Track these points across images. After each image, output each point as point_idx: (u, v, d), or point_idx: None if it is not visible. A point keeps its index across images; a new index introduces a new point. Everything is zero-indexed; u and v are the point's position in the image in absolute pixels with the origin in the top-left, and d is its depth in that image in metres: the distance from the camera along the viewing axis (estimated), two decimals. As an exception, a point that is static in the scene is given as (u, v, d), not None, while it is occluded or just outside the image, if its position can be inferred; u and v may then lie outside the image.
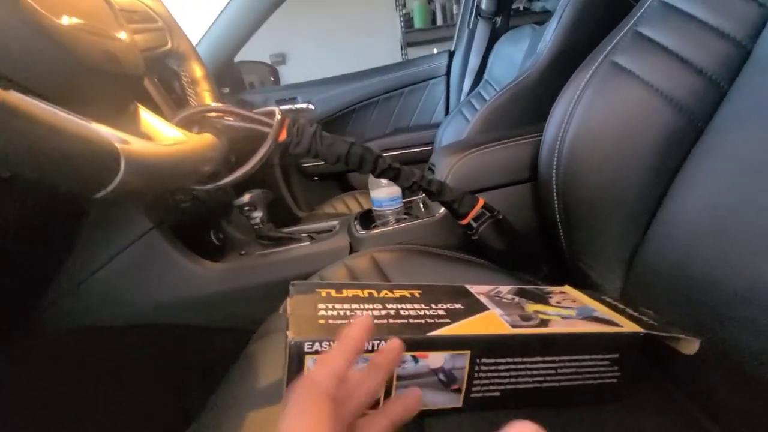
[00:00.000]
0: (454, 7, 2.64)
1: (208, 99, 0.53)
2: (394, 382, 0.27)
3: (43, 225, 0.51)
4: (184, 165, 0.32)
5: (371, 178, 0.68)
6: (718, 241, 0.32)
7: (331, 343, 0.26)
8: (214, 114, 0.42)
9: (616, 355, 0.30)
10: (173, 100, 0.68)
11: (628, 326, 0.31)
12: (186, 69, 0.52)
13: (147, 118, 0.37)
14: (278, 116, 0.41)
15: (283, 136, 0.41)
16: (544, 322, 0.30)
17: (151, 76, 0.66)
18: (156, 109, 0.56)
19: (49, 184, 0.23)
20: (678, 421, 0.30)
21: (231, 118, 0.43)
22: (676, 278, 0.35)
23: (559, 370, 0.29)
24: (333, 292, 0.32)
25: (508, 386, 0.29)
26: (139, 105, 0.37)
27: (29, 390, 0.60)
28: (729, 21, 0.38)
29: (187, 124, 0.41)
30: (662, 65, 0.41)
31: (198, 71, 0.53)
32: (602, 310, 0.34)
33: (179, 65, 0.53)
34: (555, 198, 0.49)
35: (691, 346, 0.31)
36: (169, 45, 0.50)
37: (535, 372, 0.29)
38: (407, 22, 2.76)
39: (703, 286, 0.32)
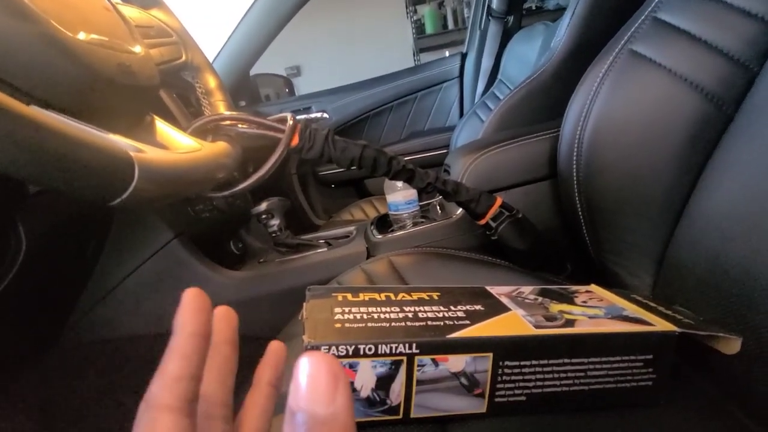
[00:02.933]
0: (465, 10, 2.64)
1: (222, 108, 0.54)
2: (414, 387, 0.26)
3: (70, 238, 0.53)
4: (198, 172, 0.32)
5: (387, 183, 0.68)
6: (755, 232, 0.30)
7: (348, 347, 0.25)
8: (227, 122, 0.43)
9: (650, 356, 0.28)
10: (191, 113, 0.70)
11: (662, 325, 0.29)
12: (200, 80, 0.54)
13: (162, 128, 0.37)
14: (290, 122, 0.41)
15: (295, 141, 0.41)
16: (569, 323, 0.29)
17: (169, 90, 0.68)
18: (174, 121, 0.57)
19: (67, 193, 0.23)
20: (720, 424, 0.28)
21: (244, 126, 0.43)
22: (711, 273, 0.33)
23: (589, 373, 0.28)
24: (349, 296, 0.32)
25: (535, 390, 0.27)
26: (156, 116, 0.38)
27: (61, 399, 0.61)
28: (756, 0, 0.36)
29: (201, 133, 0.42)
30: (685, 51, 0.40)
31: (212, 82, 0.54)
32: (632, 309, 0.32)
33: (194, 77, 0.54)
34: (577, 195, 0.47)
35: (732, 345, 0.29)
36: (184, 58, 0.52)
37: (562, 375, 0.27)
38: (419, 28, 2.77)
39: (740, 279, 0.30)
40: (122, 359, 0.65)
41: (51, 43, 0.26)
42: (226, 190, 0.44)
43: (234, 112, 0.44)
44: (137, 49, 0.36)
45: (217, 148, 0.39)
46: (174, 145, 0.36)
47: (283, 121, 0.41)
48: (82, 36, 0.29)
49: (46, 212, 0.43)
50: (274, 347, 0.21)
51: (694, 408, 0.29)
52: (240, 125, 0.43)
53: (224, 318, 0.20)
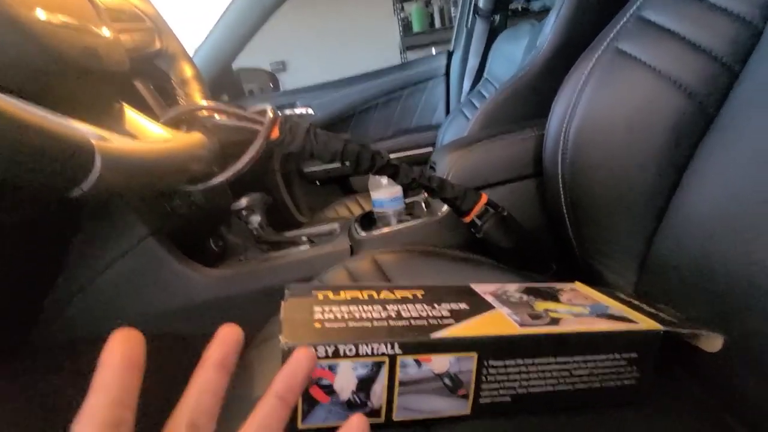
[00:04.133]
0: (452, 9, 2.64)
1: (198, 99, 0.52)
2: (396, 389, 0.25)
3: (35, 233, 0.50)
4: (170, 163, 0.30)
5: (372, 180, 0.67)
6: (737, 230, 0.30)
7: (328, 348, 0.24)
8: (204, 113, 0.41)
9: (635, 355, 0.28)
10: (170, 106, 0.67)
11: (647, 323, 0.29)
12: (175, 69, 0.51)
13: (133, 116, 0.35)
14: (270, 114, 0.39)
15: (275, 134, 0.40)
16: (555, 321, 0.28)
17: (146, 81, 0.65)
18: (151, 114, 0.55)
19: (23, 183, 0.21)
20: (704, 423, 0.28)
21: (221, 117, 0.42)
22: (693, 271, 0.33)
23: (574, 372, 0.27)
24: (330, 295, 0.30)
25: (519, 390, 0.27)
26: (126, 105, 0.36)
27: (29, 404, 0.58)
28: (738, 1, 0.37)
29: (175, 123, 0.40)
30: (669, 50, 0.40)
31: (188, 71, 0.52)
32: (617, 307, 0.32)
33: (168, 66, 0.51)
34: (562, 193, 0.47)
35: (714, 343, 0.29)
36: (158, 45, 0.49)
37: (547, 374, 0.27)
38: (406, 26, 2.77)
39: (722, 278, 0.30)
40: (91, 361, 0.62)
41: (7, 22, 0.24)
42: (203, 183, 0.42)
43: (211, 103, 0.42)
44: (105, 32, 0.34)
45: (192, 139, 0.37)
46: (145, 134, 0.34)
47: (263, 113, 0.40)
48: (43, 15, 0.27)
49: (7, 206, 0.40)
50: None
51: (679, 407, 0.29)
52: (217, 116, 0.41)
53: (221, 340, 0.19)
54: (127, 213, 0.58)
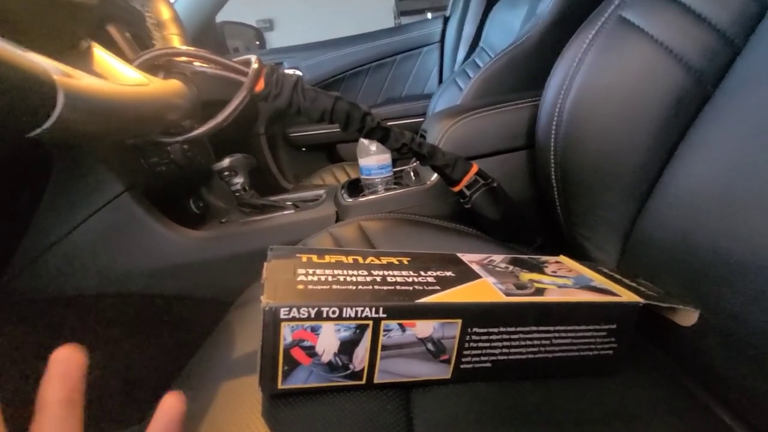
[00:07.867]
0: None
1: (176, 43, 0.48)
2: (378, 353, 0.25)
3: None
4: (143, 109, 0.28)
5: (360, 146, 0.65)
6: (724, 209, 0.31)
7: (311, 310, 0.23)
8: (183, 58, 0.38)
9: (614, 326, 0.28)
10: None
11: (627, 296, 0.29)
12: (151, 9, 0.47)
13: (103, 57, 0.32)
14: (255, 65, 0.37)
15: (260, 86, 0.37)
16: (539, 291, 0.28)
17: (121, 27, 0.60)
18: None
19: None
20: (674, 394, 0.29)
21: (202, 64, 0.38)
22: (677, 248, 0.34)
23: (554, 341, 0.28)
24: (314, 258, 0.30)
25: (500, 357, 0.27)
26: (96, 44, 0.33)
27: (2, 361, 0.57)
28: (748, -27, 0.35)
29: (151, 68, 0.36)
30: (673, 20, 0.38)
31: (165, 13, 0.47)
32: (599, 280, 0.32)
33: (143, 4, 0.47)
34: (552, 166, 0.47)
35: (689, 318, 0.30)
36: (132, -21, 0.44)
37: (529, 342, 0.27)
38: (401, -12, 2.64)
39: (706, 255, 0.31)
40: (63, 319, 0.60)
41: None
42: (180, 135, 0.39)
43: (191, 48, 0.39)
44: (71, -40, 0.30)
45: (169, 86, 0.34)
46: (116, 77, 0.31)
47: (248, 63, 0.37)
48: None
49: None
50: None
51: (651, 380, 0.30)
52: (198, 63, 0.38)
53: (62, 372, 0.17)
54: (101, 168, 0.55)
